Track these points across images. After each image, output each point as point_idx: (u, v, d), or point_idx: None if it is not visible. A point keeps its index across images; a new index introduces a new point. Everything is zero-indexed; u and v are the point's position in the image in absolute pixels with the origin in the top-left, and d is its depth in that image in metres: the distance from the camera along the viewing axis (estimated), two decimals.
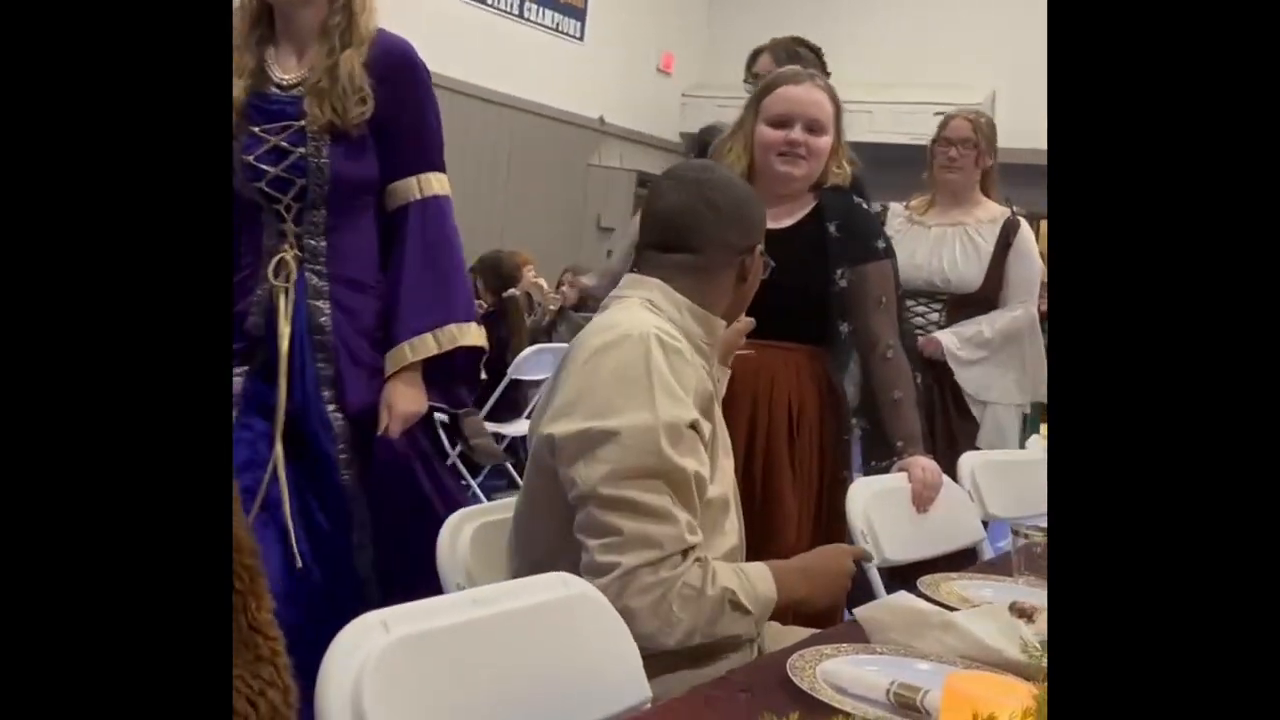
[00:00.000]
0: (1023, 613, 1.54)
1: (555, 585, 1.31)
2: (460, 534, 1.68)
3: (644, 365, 1.46)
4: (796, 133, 2.23)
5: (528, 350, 4.69)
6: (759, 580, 1.50)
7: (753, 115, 2.30)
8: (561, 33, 9.88)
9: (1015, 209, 3.35)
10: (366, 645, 1.09)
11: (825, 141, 2.27)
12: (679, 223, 1.62)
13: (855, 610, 1.43)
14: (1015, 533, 1.88)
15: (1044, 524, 1.93)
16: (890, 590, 2.09)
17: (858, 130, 2.48)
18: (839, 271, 2.27)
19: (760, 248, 1.69)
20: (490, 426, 4.77)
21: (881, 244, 2.35)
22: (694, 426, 1.48)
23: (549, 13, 9.72)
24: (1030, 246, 3.30)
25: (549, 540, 1.52)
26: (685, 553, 1.42)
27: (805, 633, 1.64)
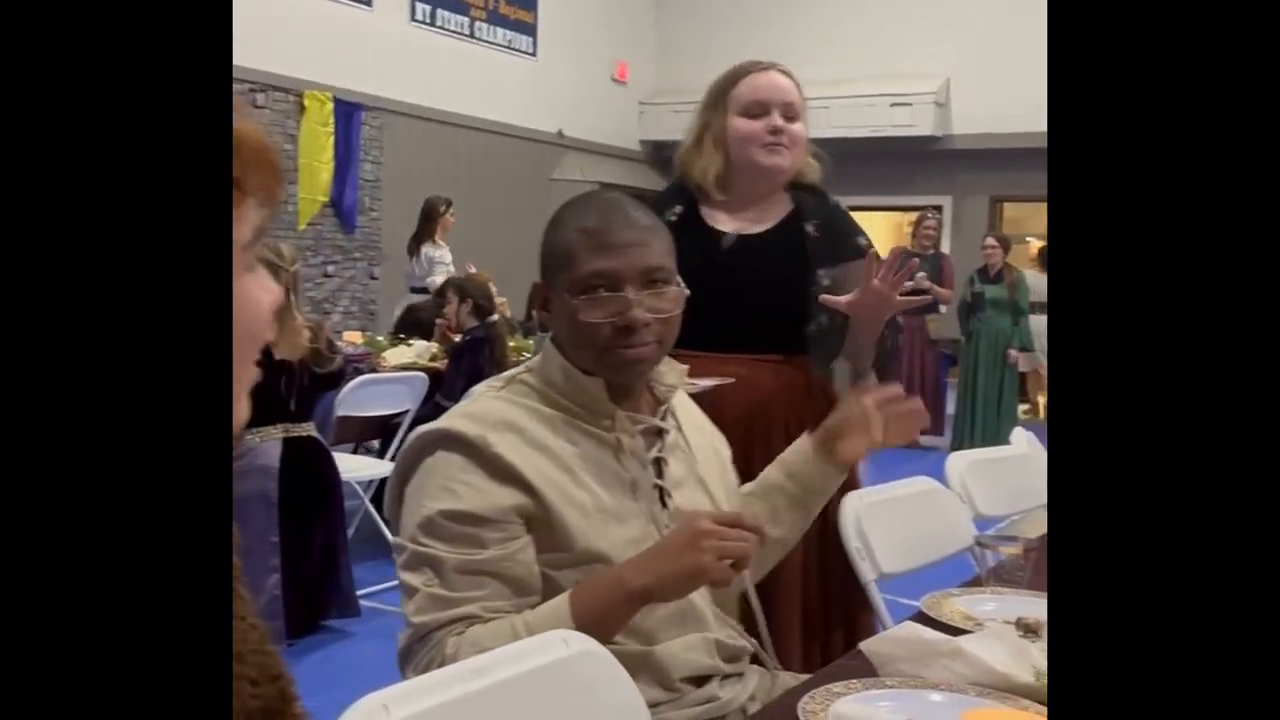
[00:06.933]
0: (1029, 629, 1.52)
1: (556, 645, 1.28)
2: None
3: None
4: (776, 119, 2.12)
5: None
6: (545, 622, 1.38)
7: (720, 112, 2.18)
8: (514, 50, 9.84)
9: None
10: None
11: (802, 128, 2.17)
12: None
13: (861, 644, 1.40)
14: (980, 544, 1.84)
15: (1014, 530, 1.89)
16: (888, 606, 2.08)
17: (816, 126, 2.36)
18: (820, 273, 2.15)
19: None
20: None
21: (864, 241, 2.23)
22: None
23: (500, 30, 9.68)
24: None
25: None
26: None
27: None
